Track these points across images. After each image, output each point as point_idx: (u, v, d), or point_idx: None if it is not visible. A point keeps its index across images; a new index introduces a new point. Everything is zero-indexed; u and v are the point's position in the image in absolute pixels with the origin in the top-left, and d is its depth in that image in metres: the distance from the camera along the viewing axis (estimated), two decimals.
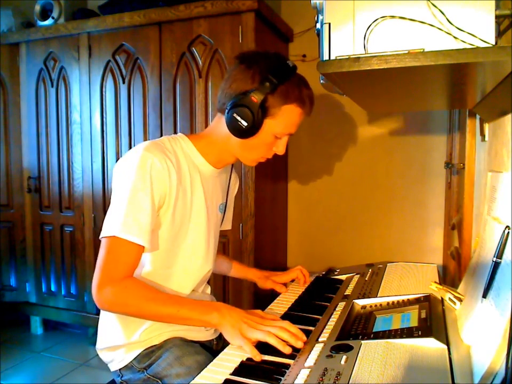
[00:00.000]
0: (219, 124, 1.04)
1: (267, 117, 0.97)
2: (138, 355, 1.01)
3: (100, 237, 0.92)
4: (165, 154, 0.97)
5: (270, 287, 1.28)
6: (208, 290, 1.20)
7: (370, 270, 1.30)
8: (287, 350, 0.81)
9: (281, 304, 1.13)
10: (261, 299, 2.00)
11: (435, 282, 1.05)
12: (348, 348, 0.77)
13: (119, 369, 1.03)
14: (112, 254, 0.91)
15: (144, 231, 0.91)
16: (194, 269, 1.08)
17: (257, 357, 0.81)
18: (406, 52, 0.65)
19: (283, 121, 0.99)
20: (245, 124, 0.95)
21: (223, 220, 1.22)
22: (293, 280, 1.32)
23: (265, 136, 1.00)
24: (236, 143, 1.02)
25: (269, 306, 1.13)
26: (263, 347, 0.83)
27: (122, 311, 0.95)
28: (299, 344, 0.83)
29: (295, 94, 0.97)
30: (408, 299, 0.98)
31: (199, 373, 0.79)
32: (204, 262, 1.10)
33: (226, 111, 0.98)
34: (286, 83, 0.96)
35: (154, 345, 1.01)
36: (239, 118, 0.96)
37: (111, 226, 0.91)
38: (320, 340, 0.86)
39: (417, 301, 0.96)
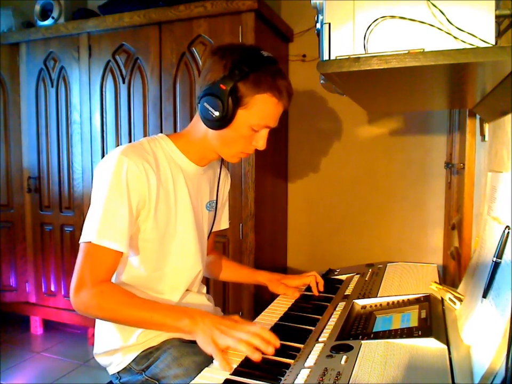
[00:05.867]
0: (197, 120, 1.02)
1: (240, 107, 0.93)
2: (136, 357, 1.01)
3: (79, 241, 0.93)
4: (142, 157, 0.96)
5: (282, 292, 1.20)
6: (204, 290, 1.20)
7: (370, 270, 1.30)
8: (256, 357, 0.79)
9: (281, 305, 1.13)
10: (261, 299, 2.00)
11: (435, 282, 1.04)
12: (348, 348, 0.77)
13: (117, 372, 1.03)
14: (89, 258, 0.91)
15: (120, 237, 0.91)
16: (186, 269, 1.08)
17: (227, 367, 0.77)
18: (406, 52, 0.65)
19: (257, 111, 0.95)
20: (215, 113, 0.93)
21: (215, 218, 1.19)
22: (308, 288, 1.23)
23: (241, 128, 0.96)
24: (214, 137, 1.00)
25: (269, 307, 1.12)
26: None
27: (98, 315, 0.95)
28: (270, 351, 0.80)
29: (268, 83, 0.93)
30: (408, 299, 0.98)
31: (197, 373, 0.78)
32: (195, 261, 1.09)
33: (198, 101, 0.96)
34: (258, 72, 0.92)
35: (152, 347, 1.01)
36: (209, 108, 0.93)
37: (88, 232, 0.91)
38: (320, 339, 0.86)
39: (417, 301, 0.96)
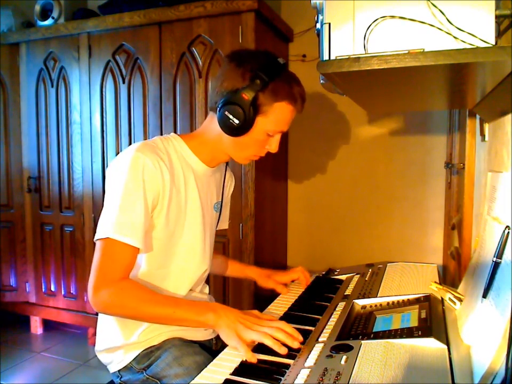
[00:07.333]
0: (211, 122, 1.04)
1: (259, 115, 0.97)
2: (137, 356, 1.01)
3: (95, 239, 0.93)
4: (157, 155, 0.97)
5: (271, 287, 1.26)
6: (206, 290, 1.20)
7: (370, 270, 1.30)
8: (282, 351, 0.81)
9: (281, 304, 1.13)
10: (261, 299, 2.00)
11: (435, 282, 1.05)
12: (348, 348, 0.77)
13: (118, 370, 1.03)
14: (107, 255, 0.91)
15: (137, 233, 0.91)
16: (191, 269, 1.08)
17: (252, 359, 0.80)
18: (406, 51, 0.65)
19: (275, 118, 0.98)
20: (236, 121, 0.95)
21: (219, 219, 1.21)
22: (293, 281, 1.31)
23: (257, 134, 0.99)
24: (228, 141, 1.02)
25: (269, 307, 1.13)
26: (262, 347, 0.83)
27: (119, 313, 0.95)
28: (295, 345, 0.83)
29: (286, 91, 0.97)
30: (408, 299, 0.98)
31: (198, 373, 0.79)
32: (201, 261, 1.10)
33: (218, 109, 0.98)
34: (276, 80, 0.96)
35: (153, 346, 1.01)
36: (230, 116, 0.95)
37: (105, 228, 0.91)
38: (320, 339, 0.86)
39: (417, 301, 0.96)
